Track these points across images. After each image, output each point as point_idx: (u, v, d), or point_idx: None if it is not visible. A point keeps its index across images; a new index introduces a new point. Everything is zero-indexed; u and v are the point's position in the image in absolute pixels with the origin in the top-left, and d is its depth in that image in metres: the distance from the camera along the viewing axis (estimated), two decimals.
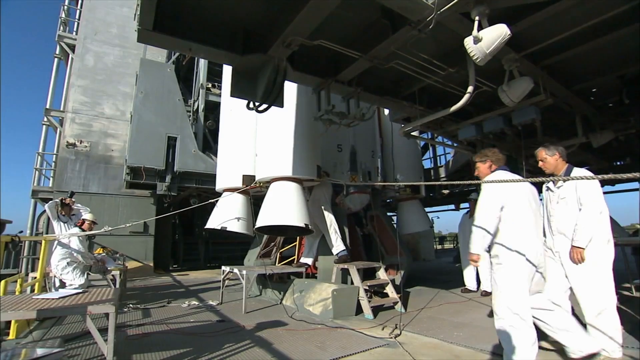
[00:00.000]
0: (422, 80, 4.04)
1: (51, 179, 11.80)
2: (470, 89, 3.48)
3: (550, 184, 3.02)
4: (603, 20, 3.01)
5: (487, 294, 5.46)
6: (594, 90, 4.67)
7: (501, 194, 2.64)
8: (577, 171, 2.96)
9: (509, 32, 2.58)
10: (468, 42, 2.70)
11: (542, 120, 4.36)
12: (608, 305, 2.70)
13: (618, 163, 8.11)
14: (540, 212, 2.87)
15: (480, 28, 2.66)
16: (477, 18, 2.66)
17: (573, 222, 2.81)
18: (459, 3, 2.56)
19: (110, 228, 5.18)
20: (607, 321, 2.68)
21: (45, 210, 11.22)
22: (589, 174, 2.61)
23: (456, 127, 5.01)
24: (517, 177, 2.82)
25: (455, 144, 6.12)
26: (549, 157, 2.97)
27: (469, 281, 5.94)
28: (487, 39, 2.61)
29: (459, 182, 3.14)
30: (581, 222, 2.75)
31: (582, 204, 2.79)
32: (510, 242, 2.59)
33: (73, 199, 5.41)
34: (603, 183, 9.46)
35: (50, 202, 5.25)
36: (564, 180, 2.85)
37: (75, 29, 12.77)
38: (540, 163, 3.04)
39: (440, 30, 2.89)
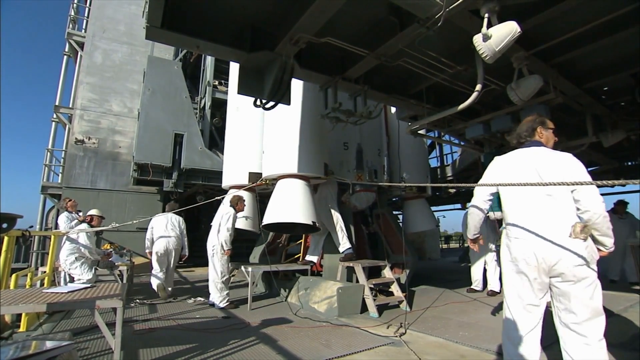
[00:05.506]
0: (429, 78, 4.01)
1: (60, 175, 11.96)
2: (478, 87, 3.43)
3: None
4: (614, 18, 2.96)
5: (494, 293, 5.43)
6: (605, 88, 4.59)
7: None
8: None
9: (518, 29, 2.54)
10: (477, 39, 2.67)
11: (551, 119, 4.29)
12: None
13: (629, 163, 7.96)
14: None
15: (489, 25, 2.63)
16: (486, 15, 2.64)
17: None
18: (468, 0, 2.54)
19: (117, 225, 5.24)
20: None
21: (53, 206, 11.39)
22: None
23: (464, 126, 4.97)
24: None
25: (462, 143, 6.07)
26: None
27: (476, 281, 5.90)
28: (496, 37, 2.58)
29: (464, 185, 3.10)
30: None
31: None
32: None
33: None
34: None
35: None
36: None
37: (84, 27, 12.90)
38: None
39: (449, 28, 2.86)
